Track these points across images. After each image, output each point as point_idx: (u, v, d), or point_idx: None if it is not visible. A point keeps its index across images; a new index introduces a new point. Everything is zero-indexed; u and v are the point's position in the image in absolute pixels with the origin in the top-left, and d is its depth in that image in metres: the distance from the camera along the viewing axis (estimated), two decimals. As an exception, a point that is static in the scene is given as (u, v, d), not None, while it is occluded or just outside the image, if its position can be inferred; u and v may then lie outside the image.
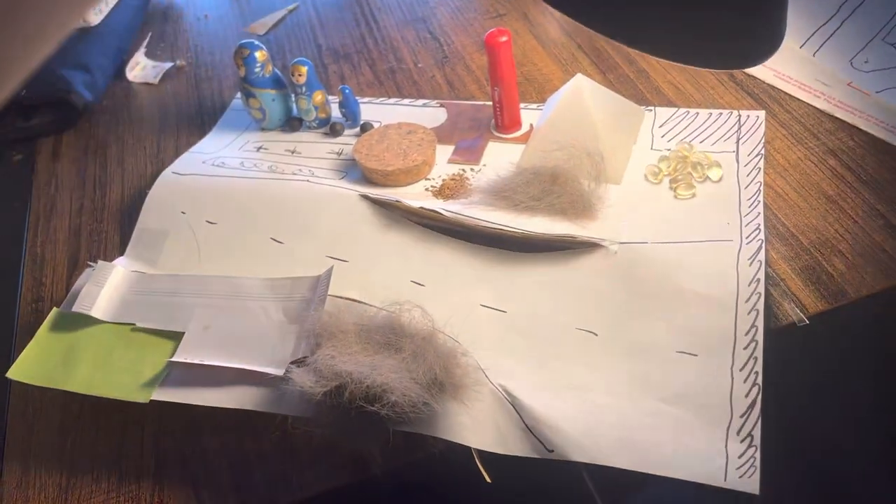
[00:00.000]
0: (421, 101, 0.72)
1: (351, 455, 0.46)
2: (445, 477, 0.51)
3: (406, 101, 0.73)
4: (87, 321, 0.54)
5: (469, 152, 0.65)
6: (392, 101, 0.73)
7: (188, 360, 0.49)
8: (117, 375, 0.51)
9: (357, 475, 0.46)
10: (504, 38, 0.60)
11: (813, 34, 0.68)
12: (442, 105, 0.71)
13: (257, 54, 0.66)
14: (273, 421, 0.46)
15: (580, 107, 0.59)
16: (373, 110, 0.72)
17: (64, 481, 0.49)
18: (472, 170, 0.64)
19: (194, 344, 0.51)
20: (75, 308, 0.54)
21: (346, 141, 0.69)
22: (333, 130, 0.70)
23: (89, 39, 0.83)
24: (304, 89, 0.68)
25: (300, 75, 0.67)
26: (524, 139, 0.65)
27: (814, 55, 0.67)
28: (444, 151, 0.66)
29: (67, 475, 0.49)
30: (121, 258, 0.60)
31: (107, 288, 0.55)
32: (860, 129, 0.60)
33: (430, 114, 0.71)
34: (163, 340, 0.52)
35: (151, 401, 0.48)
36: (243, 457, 0.49)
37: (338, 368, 0.43)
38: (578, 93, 0.60)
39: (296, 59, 0.67)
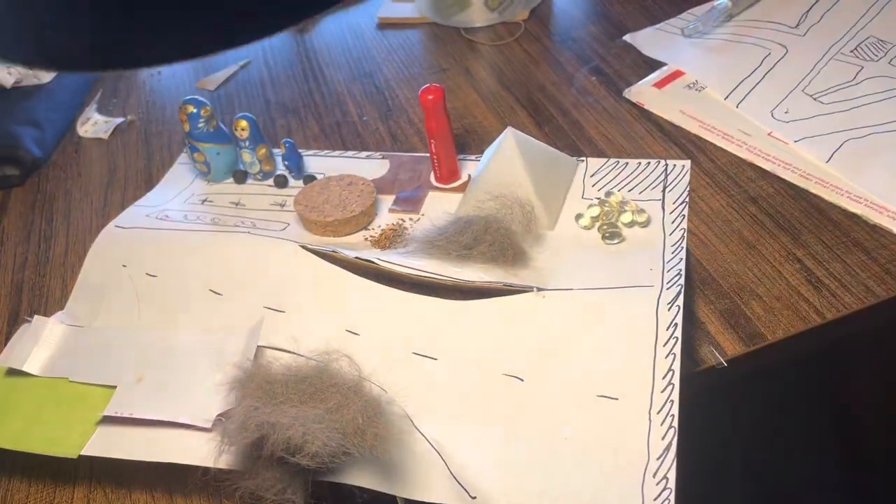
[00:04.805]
0: (364, 153, 0.74)
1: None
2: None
3: (350, 153, 0.75)
4: (20, 376, 0.54)
5: (409, 202, 0.67)
6: (336, 153, 0.75)
7: (119, 414, 0.50)
8: (47, 430, 0.50)
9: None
10: (433, 96, 0.62)
11: (736, 87, 0.71)
12: (384, 157, 0.73)
13: (200, 110, 0.68)
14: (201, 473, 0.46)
15: (511, 158, 0.62)
16: (318, 162, 0.74)
17: (-10, 540, 0.49)
18: (410, 219, 0.65)
19: (126, 397, 0.51)
20: (7, 363, 0.54)
21: (291, 193, 0.70)
22: (278, 182, 0.71)
23: (40, 96, 0.84)
24: (247, 143, 0.69)
25: (242, 129, 0.68)
26: (462, 189, 0.67)
27: (737, 106, 0.70)
28: (385, 202, 0.68)
29: (-6, 533, 0.49)
30: (59, 313, 0.60)
31: (41, 343, 0.56)
32: (779, 177, 0.63)
33: (372, 165, 0.73)
34: (95, 394, 0.52)
35: (81, 455, 0.48)
36: (173, 510, 0.49)
37: (260, 420, 0.43)
38: (509, 145, 0.62)
39: (238, 115, 0.69)
